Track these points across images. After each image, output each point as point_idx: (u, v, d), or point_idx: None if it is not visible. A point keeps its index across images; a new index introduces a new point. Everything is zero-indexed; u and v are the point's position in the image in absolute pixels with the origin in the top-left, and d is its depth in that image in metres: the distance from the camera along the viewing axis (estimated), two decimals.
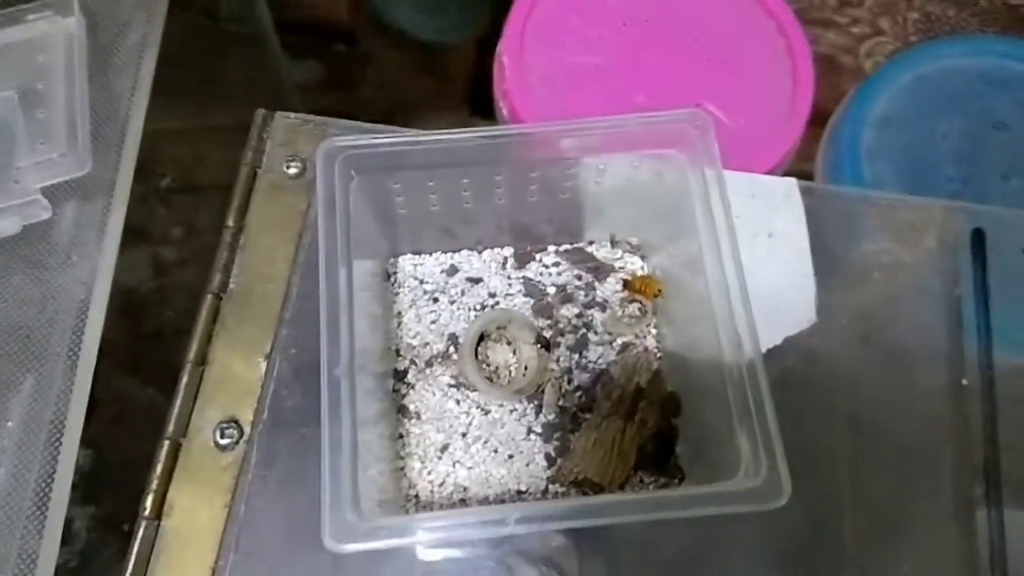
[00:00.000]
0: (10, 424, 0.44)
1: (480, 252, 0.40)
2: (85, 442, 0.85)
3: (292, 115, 0.43)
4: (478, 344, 0.38)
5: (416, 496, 0.36)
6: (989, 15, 1.15)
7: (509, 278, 0.39)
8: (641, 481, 0.36)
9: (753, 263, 0.41)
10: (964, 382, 0.40)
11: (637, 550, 0.37)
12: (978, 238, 0.42)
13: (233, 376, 0.39)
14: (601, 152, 0.35)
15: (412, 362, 0.38)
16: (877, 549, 0.39)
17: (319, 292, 0.30)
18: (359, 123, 0.42)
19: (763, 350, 0.39)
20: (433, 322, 0.38)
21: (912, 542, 0.39)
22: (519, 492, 0.36)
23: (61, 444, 0.44)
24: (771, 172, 0.51)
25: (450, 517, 0.28)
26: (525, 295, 0.39)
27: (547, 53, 0.52)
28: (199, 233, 0.97)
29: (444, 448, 0.36)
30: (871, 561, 0.38)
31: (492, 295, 0.39)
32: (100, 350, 0.81)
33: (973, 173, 0.58)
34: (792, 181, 0.43)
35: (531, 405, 0.37)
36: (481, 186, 0.35)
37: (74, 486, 0.84)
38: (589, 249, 0.40)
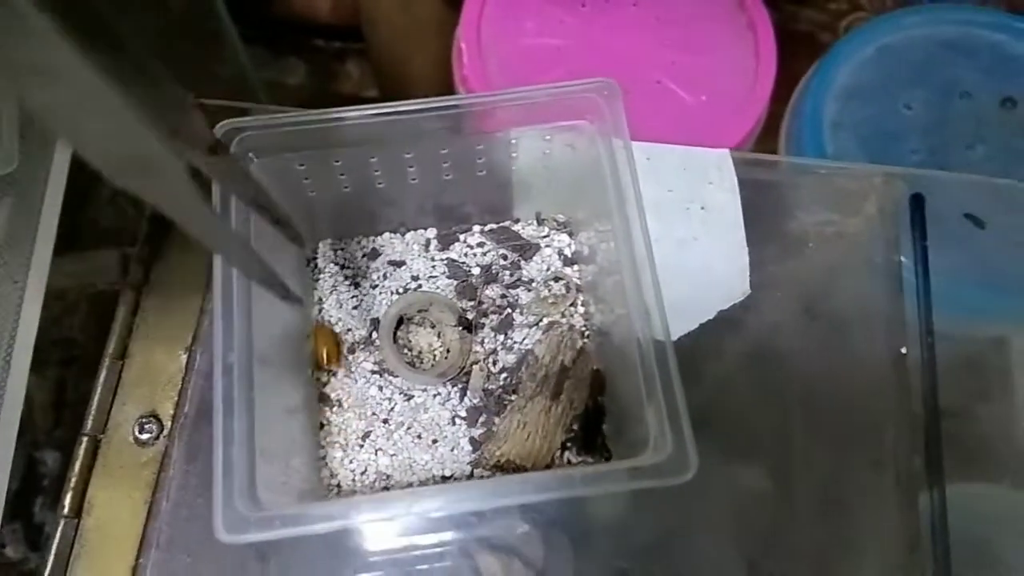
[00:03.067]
0: None
1: (403, 235, 0.39)
2: (55, 446, 0.84)
3: (210, 102, 0.42)
4: (399, 328, 0.37)
5: (338, 485, 0.35)
6: None
7: (433, 260, 0.38)
8: (568, 462, 0.35)
9: (686, 237, 0.40)
10: (903, 351, 0.39)
11: (603, 538, 0.37)
12: (917, 203, 0.41)
13: (153, 370, 0.38)
14: (510, 125, 0.34)
15: None
16: (821, 519, 0.38)
17: (213, 279, 0.29)
18: (280, 107, 0.41)
19: (696, 324, 0.39)
20: (355, 307, 0.38)
21: (855, 513, 0.38)
22: (444, 478, 0.35)
23: None
24: (736, 148, 0.50)
25: (350, 503, 0.27)
26: (449, 277, 0.38)
27: (505, 37, 0.51)
28: (140, 225, 0.96)
29: (366, 436, 0.35)
30: (815, 531, 0.38)
31: (415, 278, 0.38)
32: (68, 354, 0.80)
33: (938, 143, 0.57)
34: (725, 152, 0.42)
35: (455, 389, 0.36)
36: (391, 165, 0.34)
37: (43, 490, 0.83)
38: (515, 228, 0.39)
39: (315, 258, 0.39)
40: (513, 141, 0.34)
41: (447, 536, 0.35)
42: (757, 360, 0.40)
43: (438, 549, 0.35)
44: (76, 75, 0.18)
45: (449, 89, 0.55)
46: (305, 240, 0.38)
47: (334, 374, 0.37)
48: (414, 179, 0.35)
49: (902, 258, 0.41)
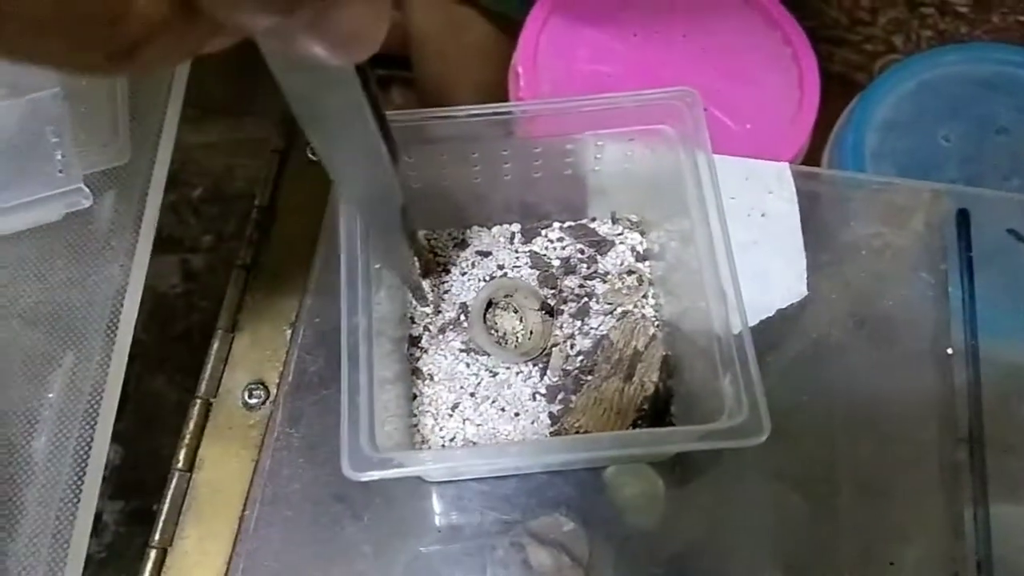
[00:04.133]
0: (51, 396, 0.47)
1: (489, 228, 0.43)
2: (114, 438, 0.89)
3: None
4: (487, 311, 0.40)
5: (429, 449, 0.38)
6: (1002, 31, 1.17)
7: (516, 251, 0.42)
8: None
9: (747, 241, 0.44)
10: (949, 351, 0.42)
11: (644, 539, 0.39)
12: (963, 217, 0.45)
13: (261, 342, 0.42)
14: (597, 128, 0.37)
15: (426, 328, 0.41)
16: (866, 510, 0.40)
17: (339, 262, 0.33)
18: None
19: (756, 321, 0.42)
20: (446, 292, 0.41)
21: (899, 504, 0.41)
22: (549, 438, 0.38)
23: (98, 415, 0.46)
24: None
25: (455, 452, 0.30)
26: (531, 267, 0.42)
27: (560, 63, 0.54)
28: (227, 240, 1.01)
29: (455, 407, 0.39)
30: (860, 522, 0.40)
31: (500, 267, 0.42)
32: (131, 351, 0.85)
33: (975, 175, 0.60)
34: (784, 165, 0.46)
35: (536, 368, 0.40)
36: (489, 161, 0.38)
37: (103, 480, 0.87)
38: (592, 225, 0.43)
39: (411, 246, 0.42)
40: (599, 143, 0.38)
41: (499, 529, 0.38)
42: (813, 359, 0.43)
43: (493, 540, 0.38)
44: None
45: None
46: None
47: (425, 351, 0.40)
48: (507, 176, 0.39)
49: (949, 264, 0.44)
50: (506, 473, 0.39)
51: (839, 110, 0.62)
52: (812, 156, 0.61)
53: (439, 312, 0.41)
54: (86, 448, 0.45)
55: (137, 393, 0.89)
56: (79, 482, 0.44)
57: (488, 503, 0.38)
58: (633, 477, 0.40)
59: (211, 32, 0.18)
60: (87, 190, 0.50)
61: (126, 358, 0.48)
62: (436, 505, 0.39)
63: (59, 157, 0.50)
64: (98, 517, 0.84)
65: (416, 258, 0.39)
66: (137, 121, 0.54)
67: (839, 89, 0.66)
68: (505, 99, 0.55)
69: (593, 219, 0.43)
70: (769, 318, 0.42)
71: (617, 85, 0.55)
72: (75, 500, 0.43)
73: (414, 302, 0.41)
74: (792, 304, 0.43)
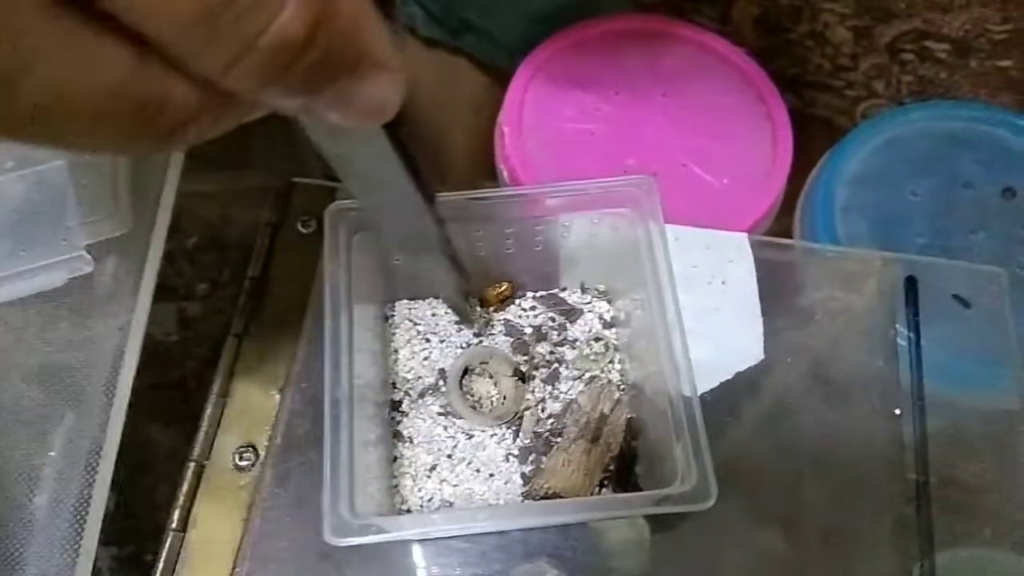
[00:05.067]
0: (52, 454, 0.49)
1: (466, 297, 0.46)
2: (110, 486, 0.90)
3: (309, 180, 0.50)
4: (463, 377, 0.43)
5: (408, 510, 0.41)
6: (980, 76, 1.22)
7: (491, 320, 0.45)
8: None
9: (709, 307, 0.47)
10: (897, 412, 0.45)
11: None
12: (911, 284, 0.48)
13: (251, 406, 0.44)
14: (567, 211, 0.41)
15: (406, 393, 0.43)
16: (831, 560, 0.43)
17: (324, 331, 0.36)
18: None
19: (716, 384, 0.45)
20: (425, 358, 0.44)
21: (859, 554, 0.43)
22: (509, 504, 0.41)
23: (97, 472, 0.49)
24: (754, 226, 0.56)
25: (429, 517, 0.33)
26: (505, 335, 0.45)
27: (544, 121, 0.57)
28: (222, 288, 1.03)
29: (433, 468, 0.42)
30: (828, 571, 0.43)
31: (477, 335, 0.45)
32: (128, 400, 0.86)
33: (942, 229, 0.62)
34: (743, 236, 0.49)
35: (509, 431, 0.43)
36: (463, 241, 0.41)
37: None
38: (562, 295, 0.46)
39: (392, 315, 0.45)
40: (566, 223, 0.41)
41: None
42: (771, 419, 0.46)
43: None
44: (395, 179, 0.28)
45: (486, 162, 0.60)
46: (384, 296, 0.45)
47: (406, 415, 0.43)
48: (481, 252, 0.42)
49: (898, 328, 0.47)
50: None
51: (822, 152, 0.65)
52: (787, 206, 0.64)
53: (419, 378, 0.44)
54: (85, 504, 0.47)
55: (132, 441, 0.91)
56: (78, 537, 0.46)
57: (471, 555, 0.41)
58: (619, 522, 0.43)
59: (248, 110, 0.20)
60: (89, 256, 0.52)
61: (124, 417, 0.51)
62: (418, 560, 0.41)
63: (63, 227, 0.53)
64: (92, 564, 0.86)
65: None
66: (137, 190, 0.57)
67: (823, 132, 0.69)
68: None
69: (564, 289, 0.46)
70: (729, 380, 0.45)
71: (600, 143, 0.58)
72: (74, 554, 0.45)
73: (396, 368, 0.44)
74: (750, 367, 0.45)
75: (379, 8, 0.22)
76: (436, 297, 0.46)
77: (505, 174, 0.59)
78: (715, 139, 0.59)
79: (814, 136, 0.71)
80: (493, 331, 0.45)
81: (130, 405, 0.84)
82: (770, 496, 0.44)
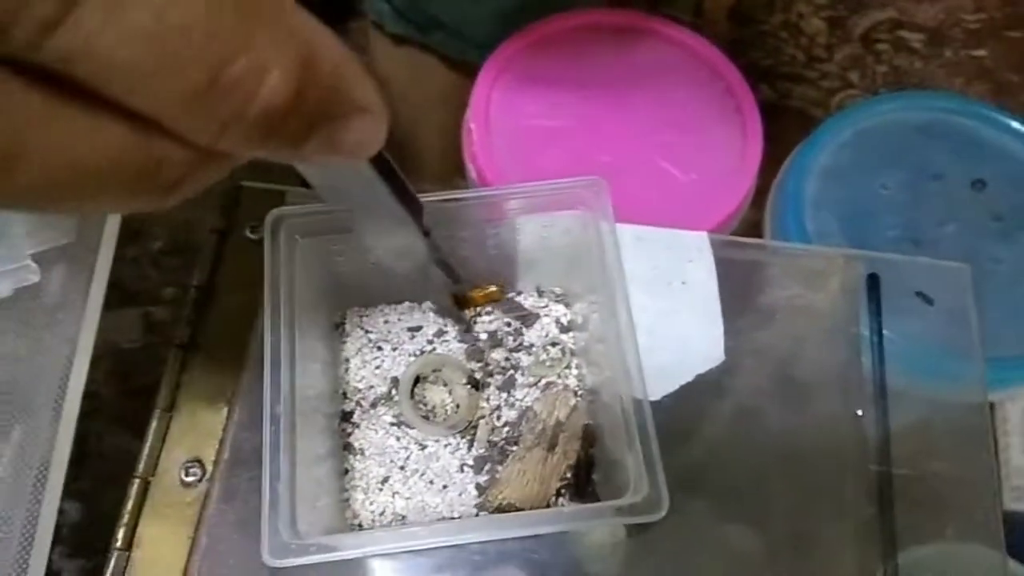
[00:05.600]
0: None
1: (420, 304, 0.45)
2: (75, 496, 0.88)
3: (257, 184, 0.48)
4: (415, 385, 0.42)
5: (359, 524, 0.40)
6: (954, 66, 1.22)
7: (446, 326, 0.44)
8: (562, 506, 0.40)
9: (668, 309, 0.46)
10: (859, 412, 0.44)
11: None
12: (873, 282, 0.47)
13: (198, 420, 0.43)
14: (517, 214, 0.39)
15: (358, 404, 0.42)
16: (800, 560, 0.42)
17: (264, 342, 0.35)
18: (310, 189, 0.47)
19: (677, 386, 0.44)
20: (377, 367, 0.43)
21: (823, 554, 0.42)
22: (452, 519, 0.40)
23: (45, 488, 0.47)
24: (726, 220, 0.55)
25: (373, 536, 0.32)
26: (460, 341, 0.43)
27: (511, 118, 0.56)
28: (188, 292, 1.01)
29: (385, 481, 0.40)
30: (798, 571, 0.42)
31: (430, 342, 0.43)
32: (91, 407, 0.85)
33: (912, 221, 0.62)
34: (703, 235, 0.48)
35: (464, 440, 0.41)
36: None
37: (64, 539, 0.87)
38: (518, 299, 0.45)
39: (343, 324, 0.44)
40: (518, 226, 0.40)
41: None
42: (734, 420, 0.45)
43: None
44: (383, 204, 0.30)
45: (455, 158, 0.59)
46: (334, 309, 0.44)
47: (357, 426, 0.42)
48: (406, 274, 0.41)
49: (861, 326, 0.46)
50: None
51: (797, 144, 0.64)
52: (762, 198, 0.64)
53: (371, 387, 0.42)
54: (34, 520, 0.46)
55: (98, 449, 0.90)
56: (26, 555, 0.45)
57: (437, 566, 0.39)
58: (613, 522, 0.42)
59: (235, 160, 0.20)
60: (35, 266, 0.51)
61: (73, 430, 0.49)
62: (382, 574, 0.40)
63: (7, 236, 0.51)
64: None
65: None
66: None
67: (798, 123, 0.69)
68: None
69: (520, 292, 0.45)
70: (690, 383, 0.44)
71: (568, 139, 0.57)
72: (23, 571, 0.44)
73: (347, 378, 0.43)
74: (711, 369, 0.45)
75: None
76: (389, 304, 0.45)
77: (473, 172, 0.58)
78: (684, 134, 0.58)
79: (789, 128, 0.70)
80: (447, 338, 0.44)
81: (95, 413, 0.82)
82: (738, 497, 0.43)
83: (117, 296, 1.02)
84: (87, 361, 0.51)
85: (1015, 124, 0.65)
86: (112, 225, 0.56)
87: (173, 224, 1.08)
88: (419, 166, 0.80)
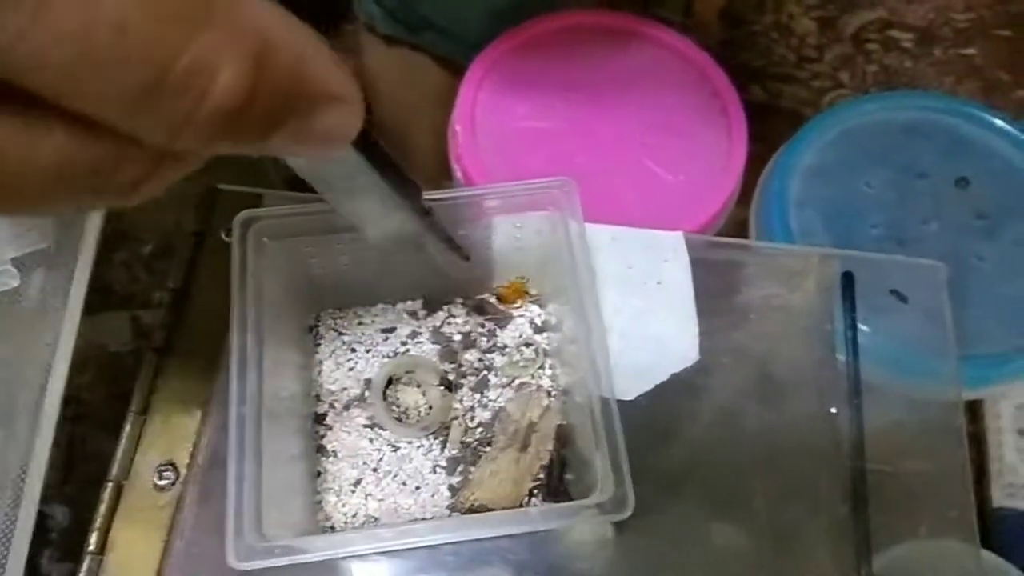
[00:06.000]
0: None
1: (394, 305, 0.45)
2: (63, 500, 0.88)
3: (232, 187, 0.48)
4: (388, 387, 0.42)
5: (332, 527, 0.40)
6: (944, 64, 1.22)
7: (419, 327, 0.44)
8: (534, 506, 0.40)
9: (643, 308, 0.46)
10: (833, 410, 0.44)
11: None
12: (847, 280, 0.47)
13: (172, 423, 0.43)
14: (489, 215, 0.39)
15: (331, 406, 0.42)
16: (781, 559, 0.42)
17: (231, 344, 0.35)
18: (290, 194, 0.47)
19: (652, 385, 0.44)
20: (351, 369, 0.43)
21: (802, 554, 0.42)
22: (424, 520, 0.40)
23: (23, 493, 0.47)
24: (711, 222, 0.55)
25: (340, 538, 0.32)
26: (433, 342, 0.43)
27: (497, 120, 0.57)
28: (164, 296, 1.01)
29: (357, 483, 0.40)
30: (779, 569, 0.42)
31: (403, 343, 0.43)
32: (79, 411, 0.85)
33: (896, 220, 0.62)
34: (679, 234, 0.48)
35: (437, 441, 0.41)
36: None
37: (52, 543, 0.87)
38: (492, 300, 0.45)
39: (317, 326, 0.44)
40: (490, 227, 0.40)
41: None
42: (715, 419, 0.45)
43: None
44: (374, 189, 0.29)
45: (447, 159, 0.59)
46: (310, 309, 0.44)
47: (330, 428, 0.42)
48: (404, 258, 0.41)
49: (835, 324, 0.46)
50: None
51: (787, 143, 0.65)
52: (744, 198, 0.64)
53: (344, 389, 0.42)
54: (11, 525, 0.46)
55: (85, 453, 0.90)
56: (3, 560, 0.45)
57: (413, 569, 0.39)
58: (580, 523, 0.42)
59: (203, 156, 0.20)
60: (15, 270, 0.51)
61: (52, 435, 0.49)
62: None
63: None
64: None
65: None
66: None
67: (789, 124, 0.69)
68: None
69: (495, 294, 0.45)
70: (665, 382, 0.44)
71: (554, 140, 0.57)
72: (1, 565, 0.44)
73: (320, 380, 0.43)
74: (687, 368, 0.44)
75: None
76: (363, 306, 0.45)
77: (458, 173, 0.58)
78: (670, 135, 0.58)
79: (780, 127, 0.70)
80: (421, 339, 0.44)
81: (83, 418, 0.82)
82: (721, 496, 0.43)
83: (105, 299, 1.02)
84: (67, 365, 0.51)
85: (998, 122, 0.65)
86: (92, 229, 0.56)
87: (163, 228, 1.08)
88: (411, 167, 0.80)
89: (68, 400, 0.74)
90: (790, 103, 1.19)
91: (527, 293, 0.44)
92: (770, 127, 0.77)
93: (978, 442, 0.74)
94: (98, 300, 0.90)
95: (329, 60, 0.20)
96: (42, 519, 0.60)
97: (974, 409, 0.75)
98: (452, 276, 0.42)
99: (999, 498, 0.71)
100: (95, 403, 0.96)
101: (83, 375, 0.89)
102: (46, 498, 0.66)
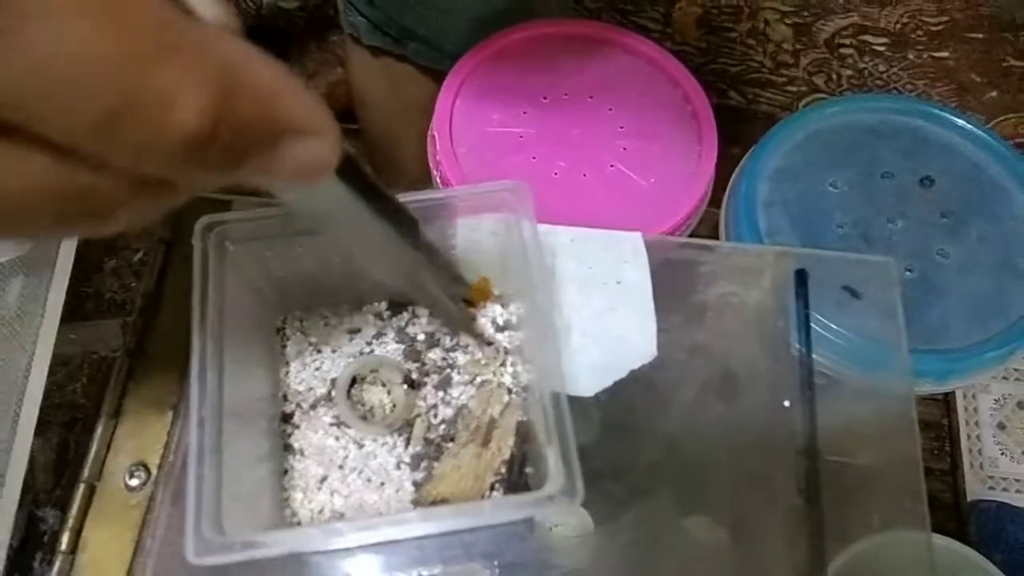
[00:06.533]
0: None
1: (360, 307, 0.46)
2: (55, 503, 0.89)
3: (202, 195, 0.49)
4: (353, 386, 0.43)
5: (299, 523, 0.41)
6: (918, 68, 1.24)
7: (384, 328, 0.45)
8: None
9: (604, 308, 0.47)
10: (786, 404, 0.45)
11: None
12: (801, 277, 0.48)
13: (144, 425, 0.44)
14: (447, 217, 0.41)
15: (298, 405, 0.43)
16: (744, 554, 0.43)
17: (191, 350, 0.36)
18: (257, 199, 0.48)
19: (611, 382, 0.45)
20: (317, 369, 0.44)
21: (760, 551, 0.44)
22: (382, 515, 0.41)
23: (2, 496, 0.48)
24: (683, 223, 0.57)
25: (296, 533, 0.33)
26: (397, 342, 0.45)
27: (473, 126, 0.58)
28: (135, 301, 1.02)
29: (323, 480, 0.41)
30: (718, 566, 0.43)
31: (369, 344, 0.45)
32: (71, 416, 0.85)
33: (862, 219, 0.63)
34: (638, 235, 0.49)
35: (401, 438, 0.42)
36: (345, 250, 0.41)
37: (43, 546, 0.88)
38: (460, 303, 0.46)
39: (284, 327, 0.45)
40: (450, 230, 0.41)
41: None
42: (679, 415, 0.46)
43: None
44: (367, 224, 0.30)
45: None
46: (281, 311, 0.45)
47: (297, 427, 0.43)
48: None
49: (789, 320, 0.48)
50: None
51: None
52: (718, 199, 0.65)
53: (310, 389, 0.44)
54: None
55: (77, 458, 0.91)
56: None
57: (389, 567, 0.40)
58: (562, 517, 0.43)
59: (186, 189, 0.20)
60: None
61: (30, 441, 0.50)
62: (332, 572, 0.41)
63: None
64: None
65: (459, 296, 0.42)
66: None
67: (765, 128, 0.70)
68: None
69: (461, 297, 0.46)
70: (623, 379, 0.45)
71: (529, 146, 0.59)
72: None
73: (288, 380, 0.44)
74: (644, 365, 0.46)
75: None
76: (328, 307, 0.46)
77: (437, 178, 0.60)
78: (642, 139, 0.60)
79: (757, 132, 0.72)
80: (385, 339, 0.45)
81: (76, 423, 0.82)
82: (693, 490, 0.44)
83: (97, 306, 1.03)
84: (45, 372, 0.52)
85: (960, 122, 0.66)
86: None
87: (154, 236, 1.09)
88: (397, 174, 0.81)
89: (61, 406, 0.75)
90: (767, 108, 1.21)
91: (491, 294, 0.45)
92: (747, 132, 0.78)
93: (951, 436, 0.75)
94: (91, 307, 0.91)
95: (302, 95, 0.21)
96: (34, 522, 0.61)
97: (948, 402, 0.76)
98: (444, 317, 0.43)
99: (977, 491, 0.72)
100: (88, 408, 0.97)
101: (76, 381, 0.90)
102: (37, 502, 0.67)
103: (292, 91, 0.20)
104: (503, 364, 0.44)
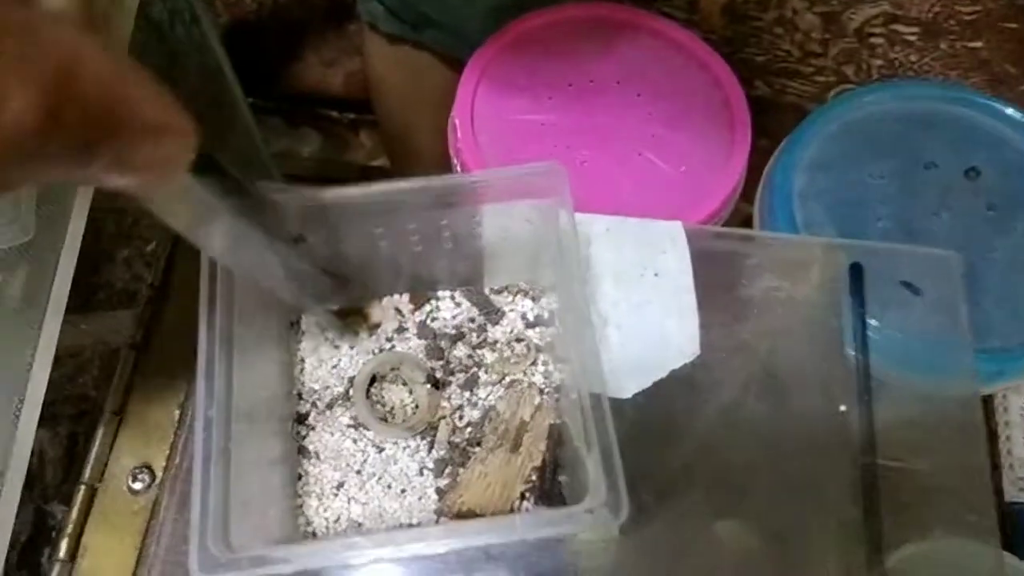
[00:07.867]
0: None
1: (380, 300, 0.43)
2: (64, 499, 0.87)
3: None
4: (371, 385, 0.40)
5: (313, 532, 0.38)
6: (951, 58, 1.19)
7: (405, 323, 0.42)
8: (526, 510, 0.38)
9: (641, 301, 0.44)
10: (842, 408, 0.42)
11: None
12: (856, 272, 0.45)
13: (149, 424, 0.41)
14: (476, 203, 0.38)
15: (313, 405, 0.40)
16: (786, 559, 0.40)
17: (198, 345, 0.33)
18: (278, 184, 0.45)
19: (650, 382, 0.42)
20: (334, 367, 0.41)
21: (805, 557, 0.40)
22: (411, 525, 0.38)
23: (2, 494, 0.46)
24: (714, 215, 0.54)
25: (312, 548, 0.30)
26: (420, 338, 0.42)
27: (496, 114, 0.55)
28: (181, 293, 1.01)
29: (340, 486, 0.38)
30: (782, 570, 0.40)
31: (389, 339, 0.42)
32: (83, 408, 0.83)
33: (904, 212, 0.60)
34: (678, 224, 0.46)
35: (424, 442, 0.39)
36: (363, 239, 0.38)
37: (50, 541, 0.86)
38: (482, 293, 0.43)
39: (298, 321, 0.42)
40: (476, 217, 0.38)
41: None
42: (719, 417, 0.43)
43: None
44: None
45: (449, 156, 0.58)
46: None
47: (312, 429, 0.40)
48: (385, 251, 0.39)
49: (844, 318, 0.44)
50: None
51: None
52: (748, 192, 0.62)
53: (327, 388, 0.41)
54: None
55: (81, 457, 0.89)
56: None
57: (399, 571, 0.37)
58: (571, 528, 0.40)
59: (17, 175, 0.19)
60: None
61: (33, 433, 0.48)
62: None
63: None
64: None
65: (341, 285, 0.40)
66: (45, 197, 0.54)
67: (794, 119, 0.67)
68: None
69: (484, 286, 0.43)
70: (664, 379, 0.42)
71: (553, 134, 0.56)
72: None
73: (303, 378, 0.41)
74: (686, 364, 0.42)
75: None
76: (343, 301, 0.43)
77: (458, 167, 0.57)
78: (671, 127, 0.56)
79: (785, 123, 0.69)
80: (407, 334, 0.42)
81: (87, 415, 0.80)
82: (727, 494, 0.41)
83: (108, 297, 1.01)
84: (49, 363, 0.50)
85: (1009, 111, 0.63)
86: (76, 225, 0.55)
87: (166, 225, 1.08)
88: (415, 163, 0.79)
89: (70, 398, 0.73)
90: (795, 98, 1.17)
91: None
92: (775, 122, 0.75)
93: (991, 438, 0.72)
94: (102, 297, 0.89)
95: (151, 89, 0.20)
96: (42, 517, 0.59)
97: (985, 404, 0.73)
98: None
99: (1011, 493, 0.69)
100: (98, 400, 0.95)
101: (86, 373, 0.89)
102: (46, 496, 0.64)
103: (140, 84, 0.20)
104: (534, 363, 0.41)
